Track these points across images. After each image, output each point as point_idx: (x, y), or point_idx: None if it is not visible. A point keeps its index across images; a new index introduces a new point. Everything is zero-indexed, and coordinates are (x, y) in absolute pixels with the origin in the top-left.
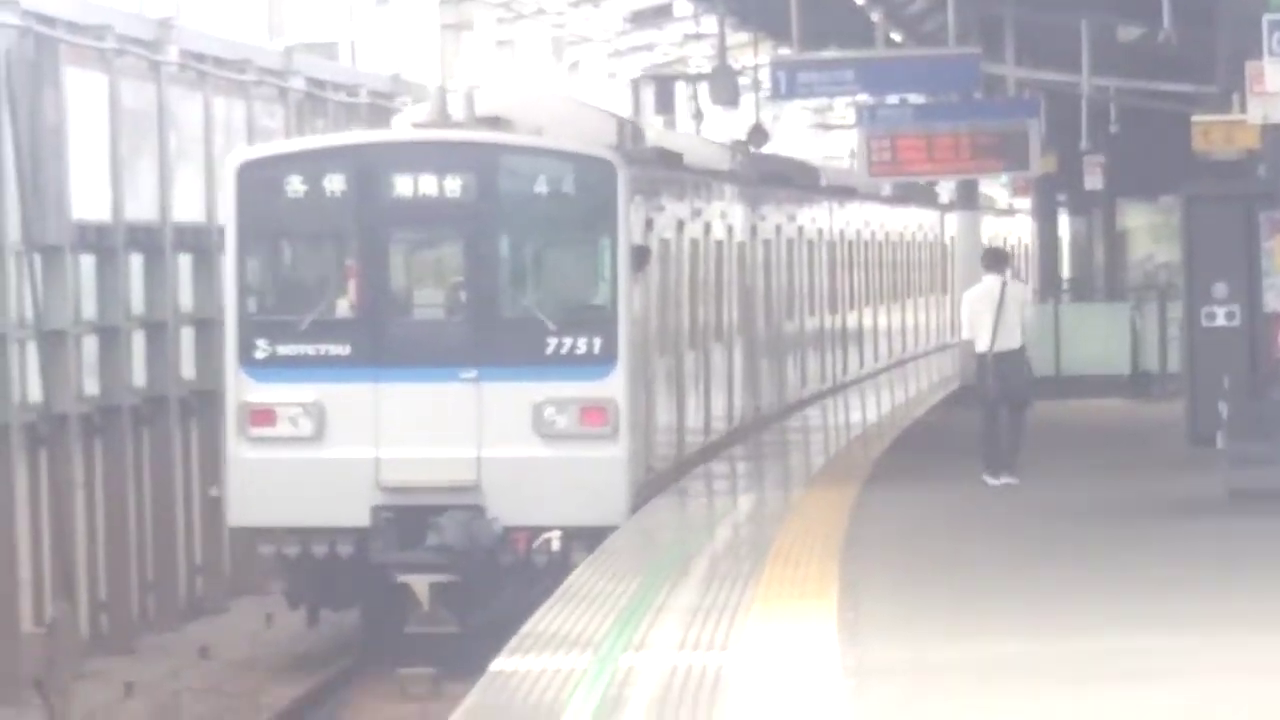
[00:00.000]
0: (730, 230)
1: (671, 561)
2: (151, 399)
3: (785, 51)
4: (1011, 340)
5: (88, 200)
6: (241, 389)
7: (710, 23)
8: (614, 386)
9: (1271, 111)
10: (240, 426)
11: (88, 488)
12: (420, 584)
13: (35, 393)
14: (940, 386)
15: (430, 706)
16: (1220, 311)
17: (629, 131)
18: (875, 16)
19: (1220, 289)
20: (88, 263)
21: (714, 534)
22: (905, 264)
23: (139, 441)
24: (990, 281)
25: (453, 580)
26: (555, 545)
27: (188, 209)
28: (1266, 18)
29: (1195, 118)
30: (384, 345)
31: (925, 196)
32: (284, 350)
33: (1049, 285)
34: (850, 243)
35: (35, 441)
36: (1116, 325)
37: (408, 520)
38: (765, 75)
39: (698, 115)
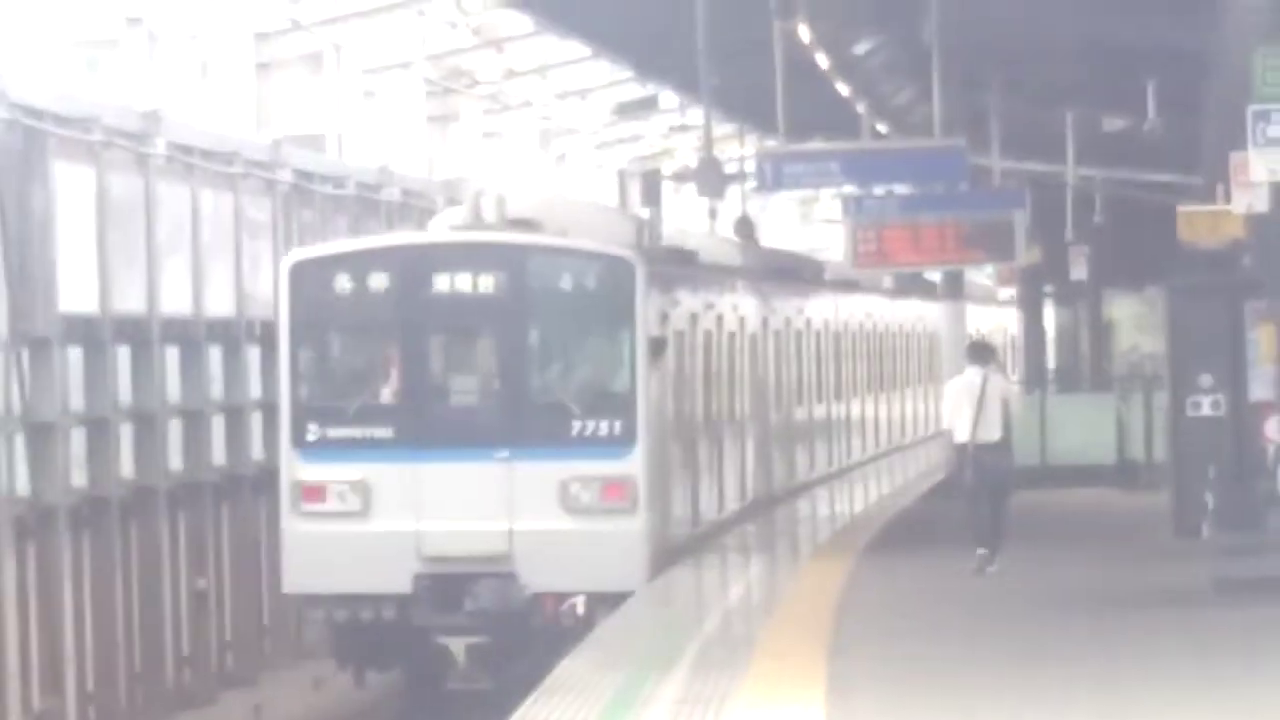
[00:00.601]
0: (742, 322)
1: (659, 652)
2: (140, 490)
3: (771, 143)
4: (991, 432)
5: (75, 292)
6: (294, 468)
7: (696, 114)
8: (633, 465)
9: (1256, 201)
10: (293, 502)
11: (75, 579)
12: (457, 645)
13: (23, 484)
14: (929, 475)
15: None
16: (1205, 401)
17: (647, 231)
18: (861, 108)
19: (1205, 379)
20: (75, 355)
21: (702, 625)
22: (904, 353)
23: (126, 533)
24: (971, 373)
25: (487, 641)
26: (580, 609)
27: (175, 301)
28: (1250, 108)
29: (1180, 208)
30: (424, 428)
31: (924, 289)
32: (333, 433)
33: (1035, 375)
34: (853, 334)
35: (23, 533)
36: (1102, 415)
37: (446, 587)
38: (751, 166)
39: (713, 214)
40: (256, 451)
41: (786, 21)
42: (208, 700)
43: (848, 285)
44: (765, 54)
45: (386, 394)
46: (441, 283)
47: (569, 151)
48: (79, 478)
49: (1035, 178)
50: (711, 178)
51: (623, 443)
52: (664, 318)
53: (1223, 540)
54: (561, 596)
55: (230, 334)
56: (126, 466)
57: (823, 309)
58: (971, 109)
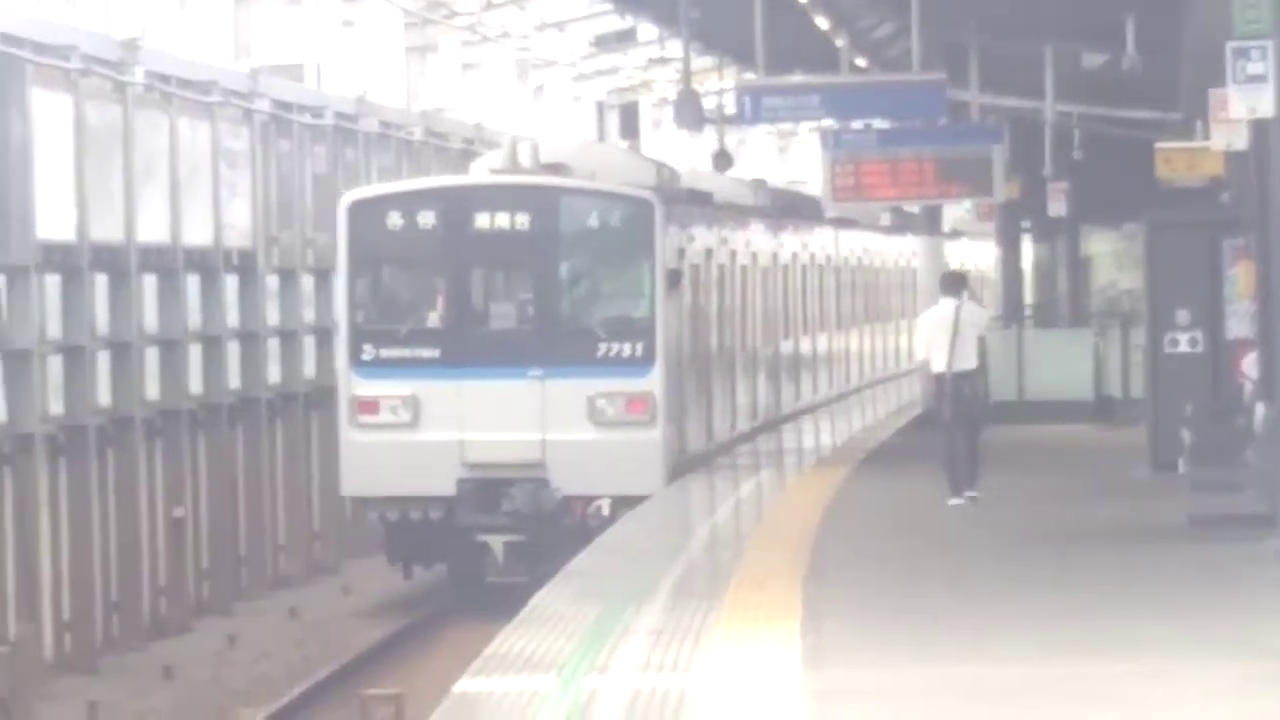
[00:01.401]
0: (753, 257)
1: (638, 581)
2: (117, 419)
3: (750, 76)
4: (967, 361)
5: (53, 220)
6: (351, 385)
7: (675, 47)
8: (652, 382)
9: (1235, 139)
10: (350, 415)
11: (52, 507)
12: (496, 542)
13: (0, 412)
14: (915, 404)
15: None
16: (1183, 338)
17: (666, 174)
18: (840, 42)
19: (1183, 316)
20: (53, 283)
21: (688, 546)
22: (899, 288)
23: (103, 462)
24: (946, 304)
25: (522, 539)
26: (605, 510)
27: (153, 229)
28: (1230, 45)
29: (1159, 145)
30: (466, 349)
31: (925, 225)
32: (386, 353)
33: (1012, 311)
34: (853, 269)
35: (0, 461)
36: (1080, 351)
37: (486, 491)
38: (730, 100)
39: (721, 154)
40: (234, 380)
41: None
42: (183, 629)
43: (847, 223)
44: None
45: (433, 319)
46: (482, 220)
47: (547, 83)
48: (56, 405)
49: (1014, 113)
50: (690, 110)
51: (643, 363)
52: (681, 253)
53: (1199, 476)
54: (589, 499)
55: (208, 263)
56: (104, 395)
57: (825, 245)
58: (951, 44)
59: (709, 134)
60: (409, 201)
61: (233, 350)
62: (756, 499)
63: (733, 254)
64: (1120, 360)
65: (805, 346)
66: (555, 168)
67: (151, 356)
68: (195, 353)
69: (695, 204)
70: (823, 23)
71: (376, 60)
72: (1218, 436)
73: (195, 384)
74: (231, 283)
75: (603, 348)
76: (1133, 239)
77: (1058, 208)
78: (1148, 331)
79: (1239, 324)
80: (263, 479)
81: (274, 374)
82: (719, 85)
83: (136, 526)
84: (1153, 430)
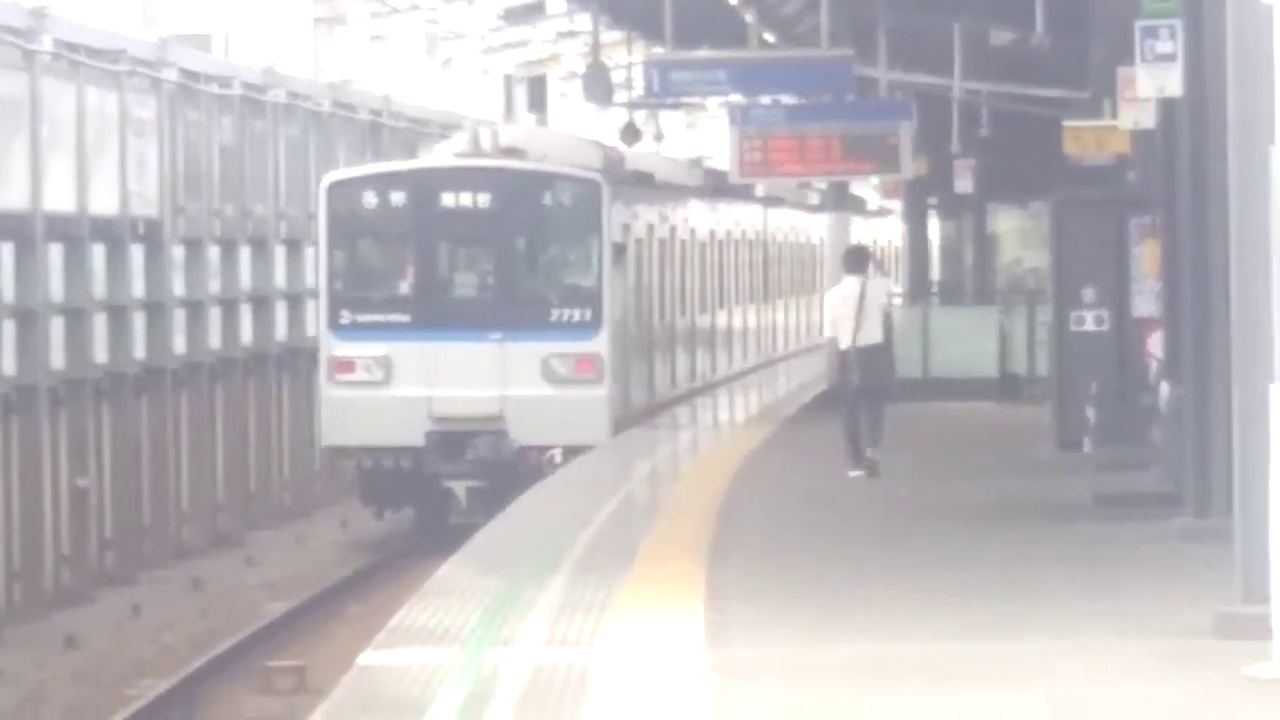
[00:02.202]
0: (692, 232)
1: (541, 554)
2: (20, 388)
3: (659, 50)
4: (873, 335)
5: None
6: (330, 346)
7: (584, 20)
8: (599, 344)
9: (1142, 117)
10: (329, 373)
11: None
12: (460, 488)
13: None
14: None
15: (297, 700)
16: (1089, 316)
17: (613, 156)
18: (749, 17)
19: (1089, 294)
20: None
21: (600, 511)
22: (822, 261)
23: (7, 431)
24: (850, 281)
25: (483, 485)
26: (558, 459)
27: (59, 198)
28: (1138, 24)
29: (1066, 122)
30: (434, 314)
31: (852, 203)
32: (361, 318)
33: (918, 288)
34: (780, 243)
35: None
36: (985, 329)
37: (451, 441)
38: (639, 74)
39: (659, 137)
40: (139, 350)
41: None
42: (86, 599)
43: (775, 200)
44: None
45: (404, 287)
46: (448, 199)
47: (455, 56)
48: None
49: (922, 90)
50: (598, 84)
51: (591, 327)
52: (626, 228)
53: (1104, 455)
54: (543, 449)
55: (114, 232)
56: (8, 364)
57: (754, 221)
58: (859, 20)
59: (618, 109)
60: (382, 182)
61: (138, 320)
62: (671, 466)
63: (672, 229)
64: (1026, 338)
65: (736, 316)
66: (512, 151)
67: (57, 326)
68: (100, 322)
69: (638, 184)
70: None
71: (285, 31)
72: (1123, 415)
73: (100, 354)
74: (137, 252)
75: (555, 313)
76: (1039, 217)
77: (965, 185)
78: (1053, 309)
79: (1145, 302)
80: (167, 449)
81: (179, 345)
82: (628, 59)
83: (40, 495)
84: (1058, 408)
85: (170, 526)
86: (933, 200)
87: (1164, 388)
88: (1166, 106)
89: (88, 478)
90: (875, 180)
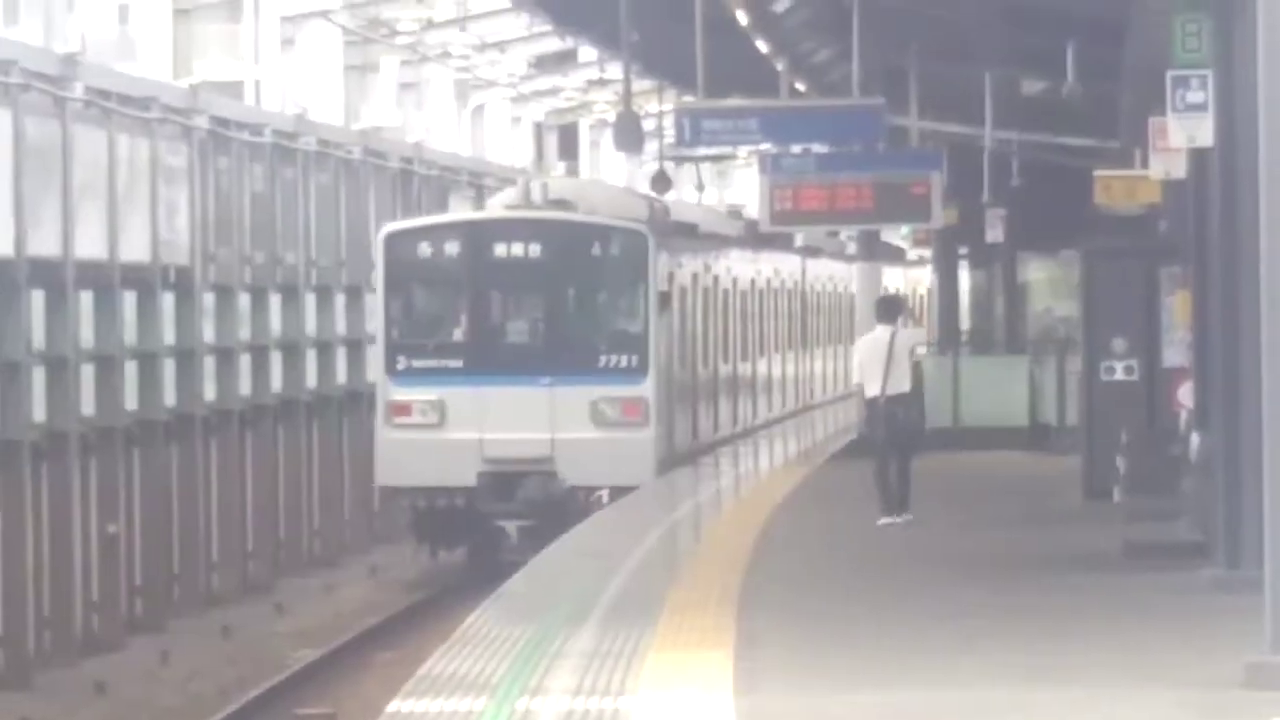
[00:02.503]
0: (734, 281)
1: (571, 602)
2: (51, 435)
3: (690, 99)
4: (901, 385)
5: None
6: (387, 391)
7: (615, 69)
8: (646, 389)
9: (1173, 167)
10: (386, 417)
11: None
12: (511, 526)
13: None
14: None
15: None
16: (1119, 366)
17: (657, 208)
18: (780, 66)
19: (1119, 344)
20: None
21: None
22: (853, 310)
23: (38, 477)
24: (881, 330)
25: (533, 524)
26: (605, 499)
27: (90, 245)
28: (1170, 73)
29: (1097, 172)
30: (486, 360)
31: (892, 253)
32: (417, 364)
33: (949, 337)
34: (817, 292)
35: None
36: (1015, 378)
37: (503, 482)
38: (670, 122)
39: (700, 187)
40: (170, 397)
41: None
42: (116, 646)
43: (814, 250)
44: (685, 9)
45: (458, 334)
46: (500, 249)
47: (487, 104)
48: None
49: (953, 139)
50: (630, 133)
51: (638, 372)
52: (670, 277)
53: (1133, 505)
54: (591, 489)
55: (145, 279)
56: (39, 410)
57: (793, 270)
58: (890, 69)
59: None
60: (437, 233)
61: (168, 367)
62: (705, 512)
63: (715, 278)
64: (1056, 387)
65: (775, 363)
66: (561, 203)
67: (87, 373)
68: (131, 369)
69: (682, 234)
70: (763, 46)
71: (316, 79)
72: (1153, 465)
73: (131, 401)
74: (168, 299)
75: (603, 359)
76: (1070, 266)
77: (995, 234)
78: (1084, 359)
79: (1175, 353)
80: (197, 496)
81: (209, 392)
82: (659, 108)
83: (70, 542)
84: (1088, 458)
85: (199, 573)
86: (963, 249)
87: (1194, 438)
88: (1197, 156)
89: (117, 525)
90: (906, 229)
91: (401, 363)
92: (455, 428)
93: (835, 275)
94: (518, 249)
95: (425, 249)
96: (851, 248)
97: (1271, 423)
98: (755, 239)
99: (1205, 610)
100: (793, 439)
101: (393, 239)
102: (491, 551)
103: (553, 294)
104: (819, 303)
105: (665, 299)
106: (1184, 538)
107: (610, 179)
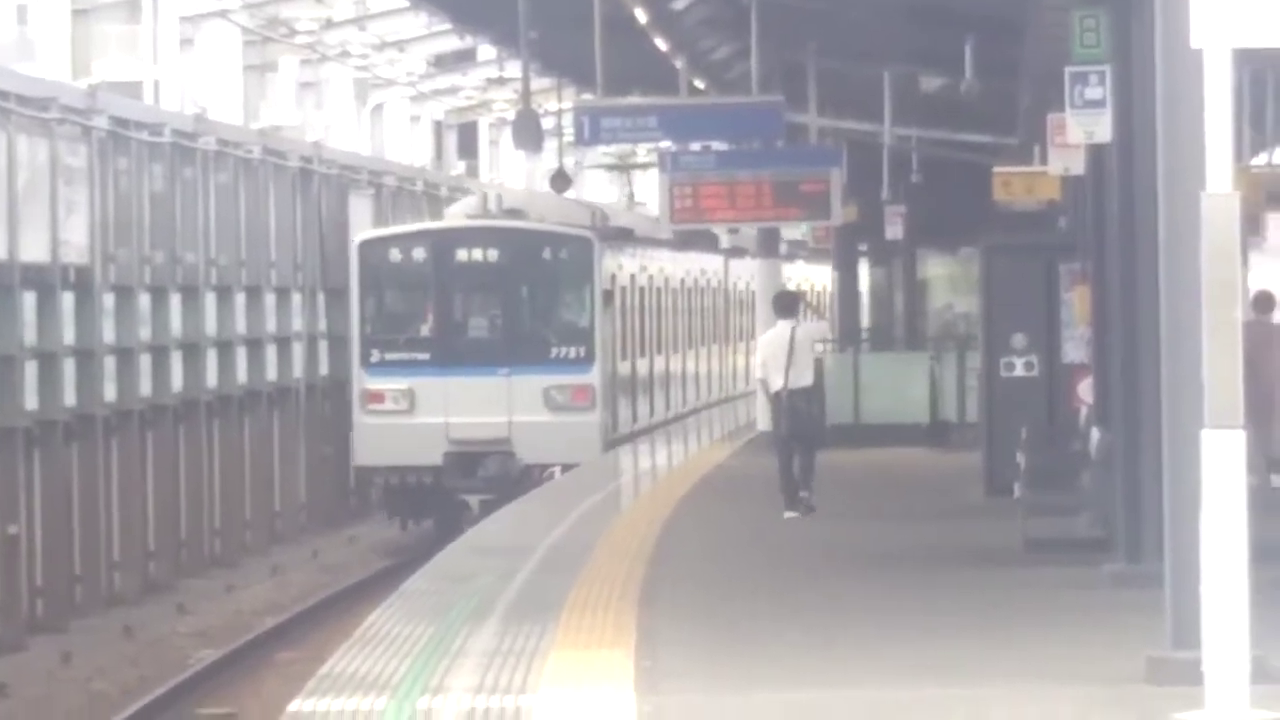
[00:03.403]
0: (666, 280)
1: (470, 603)
2: None
3: (589, 97)
4: (804, 379)
5: None
6: (362, 380)
7: (514, 67)
8: (592, 377)
9: (1072, 163)
10: (362, 404)
11: None
12: (473, 500)
13: None
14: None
15: None
16: (1019, 362)
17: (599, 215)
18: (679, 64)
19: (1019, 339)
20: None
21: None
22: (754, 306)
23: None
24: (782, 326)
25: (493, 498)
26: (557, 475)
27: None
28: (1068, 70)
29: (996, 169)
30: (450, 353)
31: (813, 255)
32: (389, 356)
33: (849, 334)
34: (740, 290)
35: None
36: (915, 374)
37: (466, 461)
38: (569, 120)
39: (631, 198)
40: (69, 397)
41: None
42: (17, 647)
43: (738, 251)
44: (584, 8)
45: (424, 330)
46: (461, 254)
47: (386, 102)
48: None
49: (852, 136)
50: (528, 131)
51: (585, 362)
52: (613, 278)
53: (1034, 500)
54: (544, 466)
55: (45, 279)
56: None
57: (717, 270)
58: (789, 66)
59: (547, 155)
60: (405, 240)
61: (69, 367)
62: (606, 507)
63: (650, 278)
64: (956, 384)
65: (703, 355)
66: (515, 212)
67: None
68: (31, 369)
69: (621, 239)
70: (662, 44)
71: (215, 79)
72: (1053, 461)
73: (31, 401)
74: (68, 299)
75: (554, 350)
76: (969, 262)
77: (895, 231)
78: (983, 355)
79: (1075, 349)
80: (98, 496)
81: (109, 392)
82: (558, 106)
83: None
84: (988, 454)
85: (101, 574)
86: (863, 246)
87: (1094, 433)
88: (1096, 152)
89: (18, 526)
90: (805, 227)
91: (375, 356)
92: (423, 413)
93: (756, 273)
94: (477, 254)
95: (395, 254)
96: (783, 248)
97: (1171, 417)
98: (684, 242)
99: (1106, 605)
100: (715, 425)
101: (365, 246)
102: (455, 523)
103: (509, 293)
104: (741, 299)
105: (608, 297)
106: (1084, 533)
107: (511, 179)
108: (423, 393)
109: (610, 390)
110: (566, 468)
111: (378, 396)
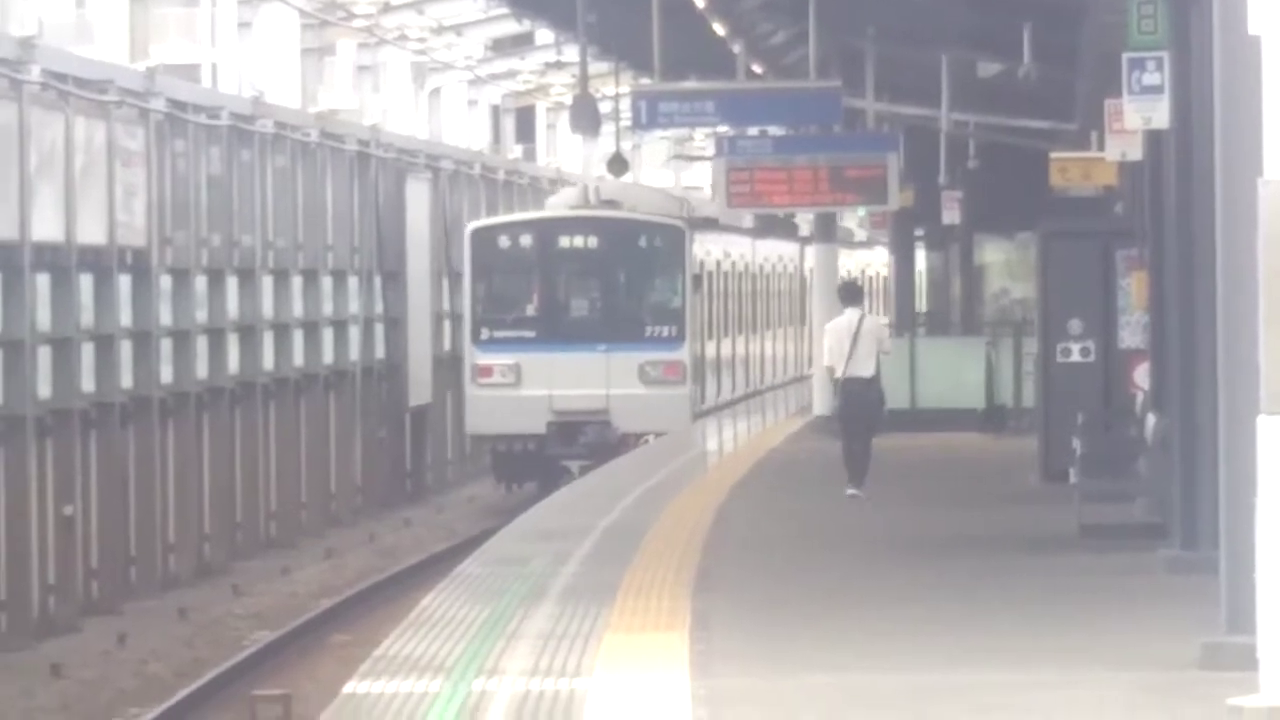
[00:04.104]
0: (746, 265)
1: (524, 586)
2: (8, 417)
3: (646, 81)
4: (865, 369)
5: None
6: (473, 356)
7: (572, 51)
8: (682, 354)
9: (1129, 149)
10: (473, 377)
11: None
12: (574, 465)
13: None
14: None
15: None
16: (1075, 348)
17: (686, 205)
18: (737, 48)
19: (1075, 325)
20: None
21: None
22: (811, 291)
23: None
24: (850, 314)
25: (592, 463)
26: (650, 440)
27: (47, 228)
28: (1126, 56)
29: (1053, 154)
30: (554, 331)
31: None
32: (498, 334)
33: (905, 319)
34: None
35: None
36: (972, 360)
37: (567, 430)
38: (626, 105)
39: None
40: (126, 380)
41: None
42: (72, 628)
43: (811, 238)
44: None
45: (530, 310)
46: (564, 241)
47: (443, 86)
48: None
49: (909, 121)
50: (586, 115)
51: (676, 340)
52: (700, 263)
53: (1089, 486)
54: (639, 435)
55: (102, 262)
56: None
57: (794, 256)
58: (847, 51)
59: (604, 139)
60: (513, 228)
61: (125, 350)
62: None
63: (732, 264)
64: (1012, 369)
65: (778, 336)
66: (612, 203)
67: (44, 355)
68: (88, 352)
69: (707, 227)
70: (720, 29)
71: (273, 62)
72: (1109, 446)
73: (88, 383)
74: (125, 282)
75: (648, 329)
76: (1026, 248)
77: (951, 216)
78: (1040, 340)
79: (1131, 334)
80: (154, 478)
81: (166, 374)
82: (615, 90)
83: (26, 525)
84: (1044, 439)
85: (157, 556)
86: (920, 231)
87: (1150, 419)
88: (1153, 138)
89: (73, 506)
90: (862, 211)
91: (485, 334)
92: (529, 386)
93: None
94: (579, 241)
95: (504, 241)
96: (859, 235)
97: (1227, 403)
98: (763, 229)
99: (1161, 591)
100: (783, 404)
101: (477, 233)
102: (556, 487)
103: (607, 277)
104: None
105: (697, 281)
106: (1140, 519)
107: (568, 163)
108: (528, 367)
109: (698, 366)
110: (658, 435)
111: (487, 370)
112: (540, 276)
